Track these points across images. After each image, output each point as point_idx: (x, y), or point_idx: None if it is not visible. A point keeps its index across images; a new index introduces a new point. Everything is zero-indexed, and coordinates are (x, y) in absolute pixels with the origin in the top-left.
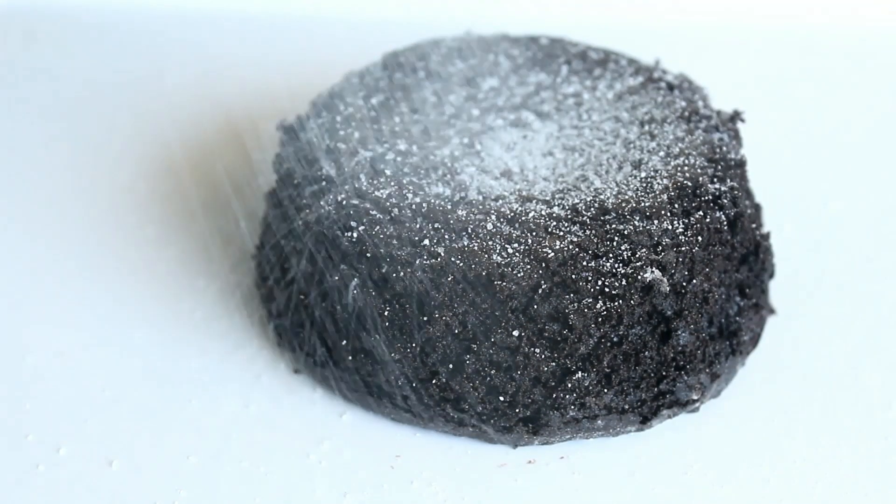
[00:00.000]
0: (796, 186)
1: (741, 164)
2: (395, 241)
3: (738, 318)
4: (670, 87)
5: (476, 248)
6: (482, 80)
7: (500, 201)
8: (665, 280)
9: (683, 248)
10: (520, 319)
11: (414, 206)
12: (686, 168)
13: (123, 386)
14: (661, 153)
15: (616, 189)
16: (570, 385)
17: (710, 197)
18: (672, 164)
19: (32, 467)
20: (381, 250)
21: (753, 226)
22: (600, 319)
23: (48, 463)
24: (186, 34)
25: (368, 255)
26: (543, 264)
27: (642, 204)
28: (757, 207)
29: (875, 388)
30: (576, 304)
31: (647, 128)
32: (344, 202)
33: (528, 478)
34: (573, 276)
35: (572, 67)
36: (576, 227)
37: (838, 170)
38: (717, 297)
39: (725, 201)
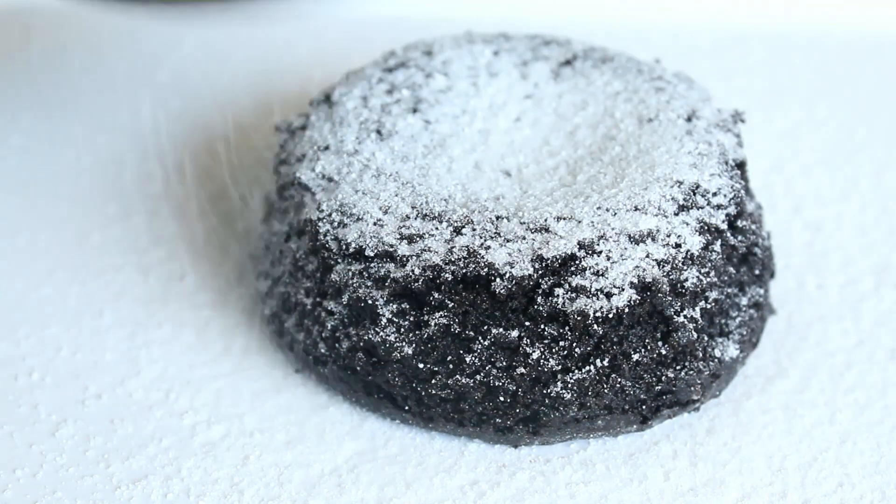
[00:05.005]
0: (796, 186)
1: (741, 164)
2: (394, 241)
3: (738, 318)
4: (671, 87)
5: (476, 247)
6: (482, 78)
7: (500, 200)
8: (665, 279)
9: (684, 248)
10: (519, 319)
11: (413, 205)
12: (686, 167)
13: (123, 385)
14: (662, 152)
15: (616, 188)
16: (570, 385)
17: (711, 196)
18: (672, 163)
19: (37, 466)
20: (381, 249)
21: (754, 226)
22: (600, 319)
23: (46, 464)
24: (186, 35)
25: (368, 254)
26: (543, 263)
27: (642, 203)
28: (757, 207)
29: (874, 388)
30: (576, 304)
31: (647, 127)
32: (343, 201)
33: (528, 478)
34: (573, 276)
35: (572, 66)
36: (575, 226)
37: (838, 170)
38: (717, 296)
39: (726, 201)
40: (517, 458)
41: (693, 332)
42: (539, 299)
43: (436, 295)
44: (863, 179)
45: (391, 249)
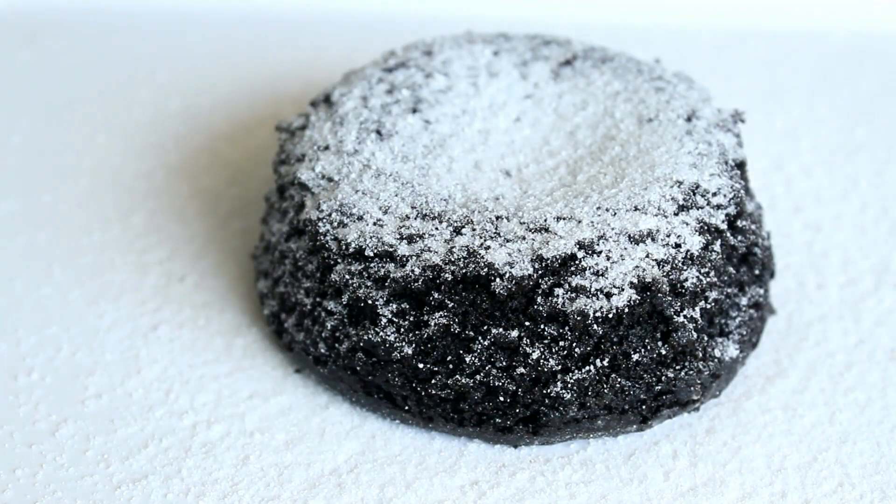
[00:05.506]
0: (796, 186)
1: (741, 164)
2: (394, 241)
3: (738, 318)
4: (671, 87)
5: (476, 247)
6: (482, 78)
7: (500, 200)
8: (665, 279)
9: (683, 248)
10: (519, 319)
11: (413, 205)
12: (686, 167)
13: (123, 385)
14: (662, 152)
15: (616, 188)
16: (570, 385)
17: (711, 196)
18: (672, 163)
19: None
20: (381, 249)
21: (754, 226)
22: (600, 319)
23: (46, 464)
24: (186, 34)
25: (368, 254)
26: (543, 263)
27: (642, 203)
28: (757, 207)
29: (874, 388)
30: (575, 304)
31: (647, 127)
32: (343, 201)
33: (528, 478)
34: (573, 276)
35: (572, 66)
36: (575, 226)
37: (838, 170)
38: (717, 296)
39: (725, 201)
40: (517, 458)
41: (693, 332)
42: (539, 299)
43: (436, 295)
44: (863, 179)
45: (391, 249)
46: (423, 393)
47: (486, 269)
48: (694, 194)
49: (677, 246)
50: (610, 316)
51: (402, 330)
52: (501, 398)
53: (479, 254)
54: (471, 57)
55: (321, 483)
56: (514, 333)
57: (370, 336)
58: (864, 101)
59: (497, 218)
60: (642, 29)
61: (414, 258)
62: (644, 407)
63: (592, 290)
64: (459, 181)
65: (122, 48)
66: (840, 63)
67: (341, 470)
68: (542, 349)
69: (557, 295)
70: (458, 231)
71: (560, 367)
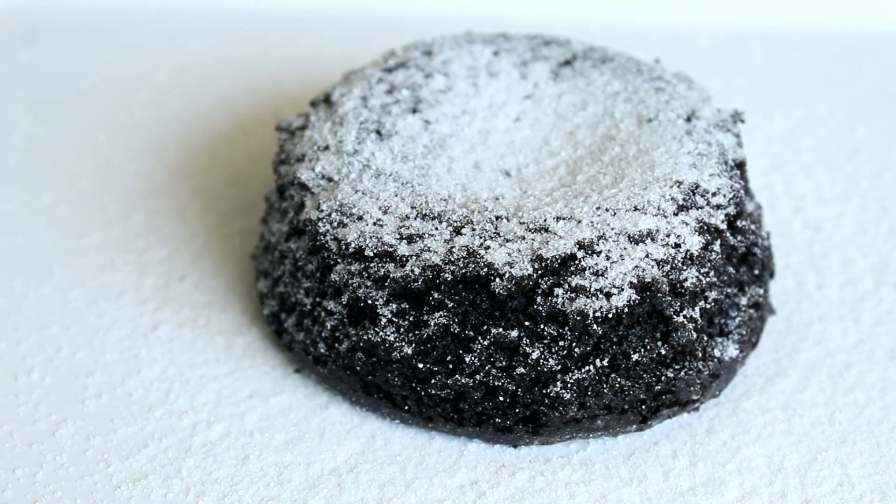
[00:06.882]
0: (796, 186)
1: (741, 164)
2: (394, 241)
3: (737, 318)
4: (670, 87)
5: (475, 247)
6: (482, 78)
7: (500, 200)
8: (664, 279)
9: (683, 248)
10: (519, 319)
11: (413, 205)
12: (686, 167)
13: (123, 385)
14: (661, 152)
15: (616, 188)
16: (569, 384)
17: (710, 196)
18: (672, 163)
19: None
20: (381, 249)
21: (753, 226)
22: (600, 319)
23: (47, 465)
24: (186, 34)
25: (368, 254)
26: (543, 263)
27: (642, 203)
28: (757, 207)
29: (874, 388)
30: (575, 304)
31: (646, 127)
32: (343, 201)
33: (528, 478)
34: (572, 276)
35: (572, 66)
36: (575, 226)
37: (838, 170)
38: (717, 296)
39: (725, 201)
40: (517, 458)
41: (692, 332)
42: (538, 299)
43: (435, 295)
44: (863, 179)
45: (391, 249)
46: (422, 393)
47: (485, 269)
48: (694, 194)
49: (677, 246)
50: (610, 316)
51: (402, 330)
52: (501, 398)
53: (479, 254)
54: (471, 57)
55: (321, 483)
56: (514, 333)
57: (370, 336)
58: (864, 101)
59: (497, 218)
60: (642, 29)
61: (414, 258)
62: (644, 407)
63: (592, 289)
64: (459, 181)
65: (122, 48)
66: (840, 63)
67: (341, 470)
68: (541, 349)
69: (557, 295)
70: (457, 231)
71: (560, 367)
